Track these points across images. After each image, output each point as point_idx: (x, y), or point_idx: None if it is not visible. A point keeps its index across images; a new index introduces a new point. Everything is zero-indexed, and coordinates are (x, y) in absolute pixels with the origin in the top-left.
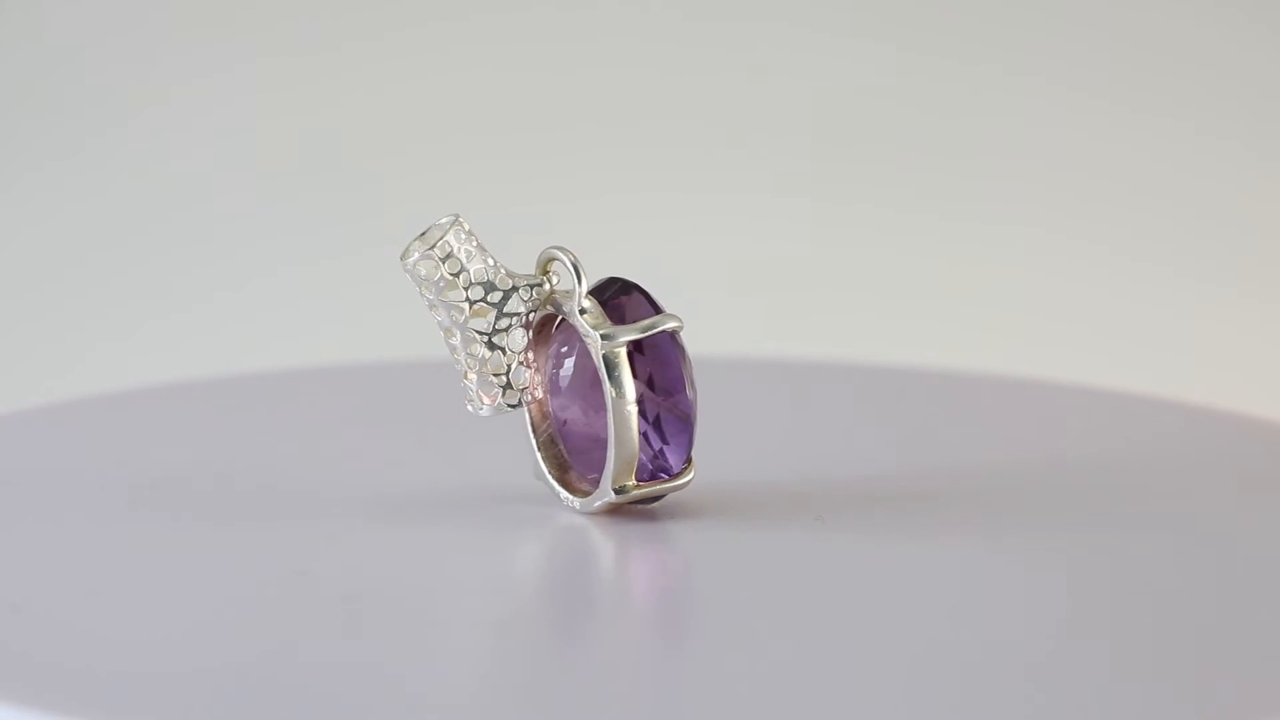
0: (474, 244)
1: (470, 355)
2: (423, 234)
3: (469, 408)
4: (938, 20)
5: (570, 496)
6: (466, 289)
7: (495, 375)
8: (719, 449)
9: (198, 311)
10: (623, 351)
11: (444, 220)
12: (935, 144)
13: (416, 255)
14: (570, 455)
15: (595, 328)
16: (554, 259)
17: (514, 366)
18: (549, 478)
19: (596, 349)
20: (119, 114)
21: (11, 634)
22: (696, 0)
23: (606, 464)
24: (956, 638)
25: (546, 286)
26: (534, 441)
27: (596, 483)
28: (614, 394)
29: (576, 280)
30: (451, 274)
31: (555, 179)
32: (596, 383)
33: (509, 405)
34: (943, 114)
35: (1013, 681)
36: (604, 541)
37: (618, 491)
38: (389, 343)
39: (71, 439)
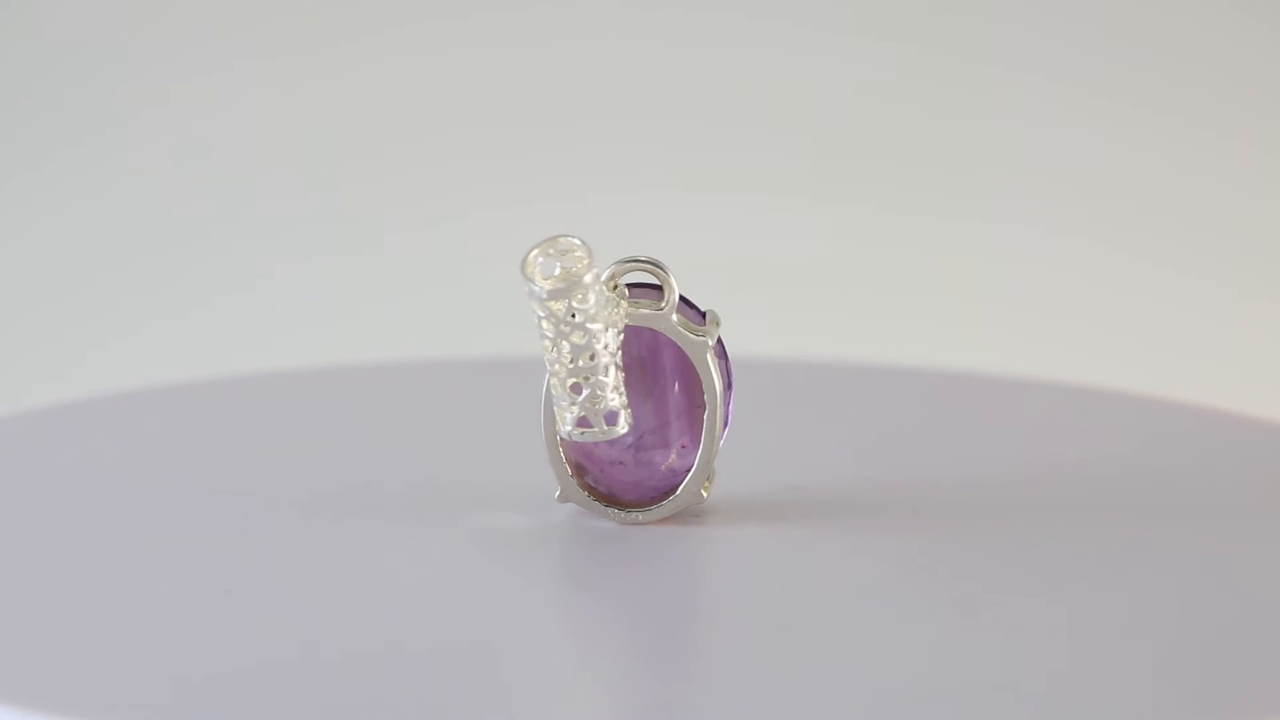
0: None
1: (601, 382)
2: (544, 245)
3: (586, 432)
4: (937, 19)
5: (628, 510)
6: (607, 323)
7: (616, 392)
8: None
9: (197, 312)
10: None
11: (578, 249)
12: (935, 143)
13: (566, 300)
14: (636, 467)
15: (694, 333)
16: (630, 270)
17: (620, 383)
18: (587, 498)
19: (705, 354)
20: (119, 114)
21: (12, 638)
22: None
23: (697, 466)
24: (963, 639)
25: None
26: (563, 462)
27: (650, 493)
28: (714, 396)
29: (674, 291)
30: (598, 306)
31: (551, 177)
32: (685, 388)
33: (627, 424)
34: (942, 113)
35: (1019, 682)
36: (654, 546)
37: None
38: (389, 343)
39: (71, 441)
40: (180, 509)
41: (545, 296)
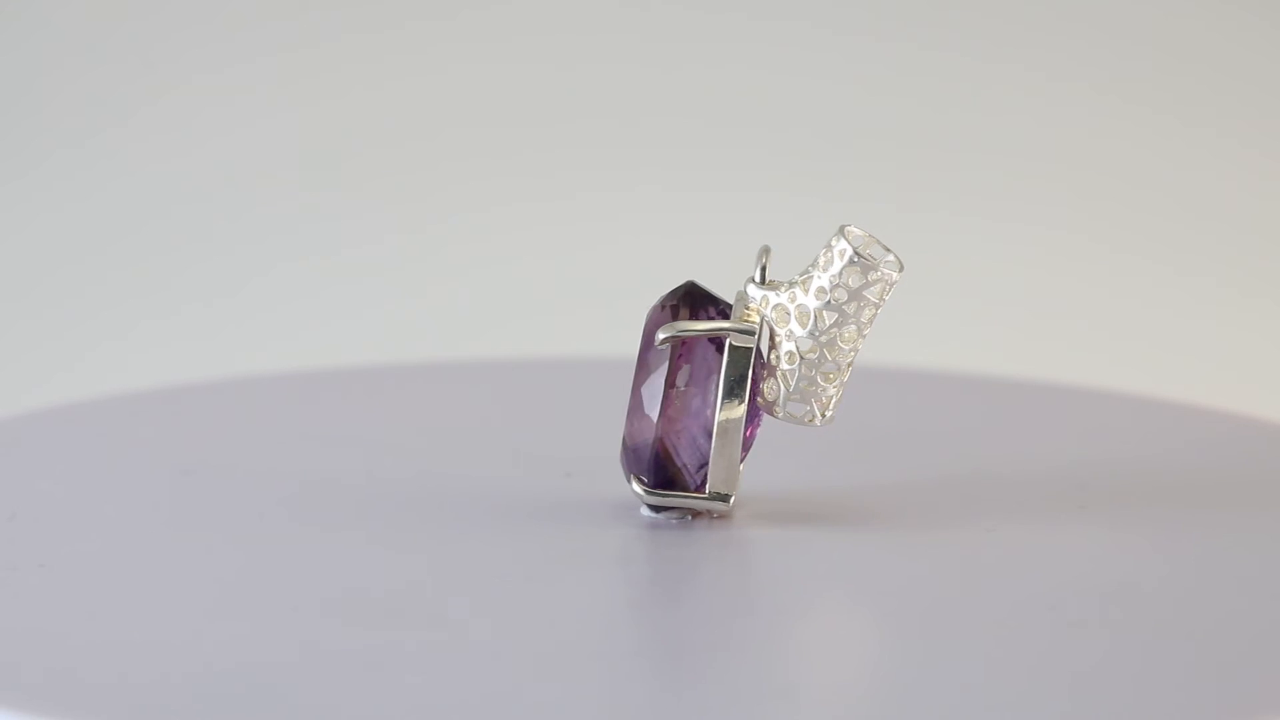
0: None
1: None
2: (869, 235)
3: (822, 418)
4: (939, 17)
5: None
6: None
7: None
8: None
9: (197, 312)
10: None
11: (889, 259)
12: (935, 143)
13: (880, 286)
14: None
15: None
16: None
17: None
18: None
19: None
20: (119, 113)
21: (13, 643)
22: None
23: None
24: (967, 639)
25: None
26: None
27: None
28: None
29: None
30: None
31: (551, 174)
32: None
33: None
34: (943, 112)
35: (1023, 681)
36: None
37: None
38: (390, 344)
39: (72, 441)
40: (183, 509)
41: (872, 279)
